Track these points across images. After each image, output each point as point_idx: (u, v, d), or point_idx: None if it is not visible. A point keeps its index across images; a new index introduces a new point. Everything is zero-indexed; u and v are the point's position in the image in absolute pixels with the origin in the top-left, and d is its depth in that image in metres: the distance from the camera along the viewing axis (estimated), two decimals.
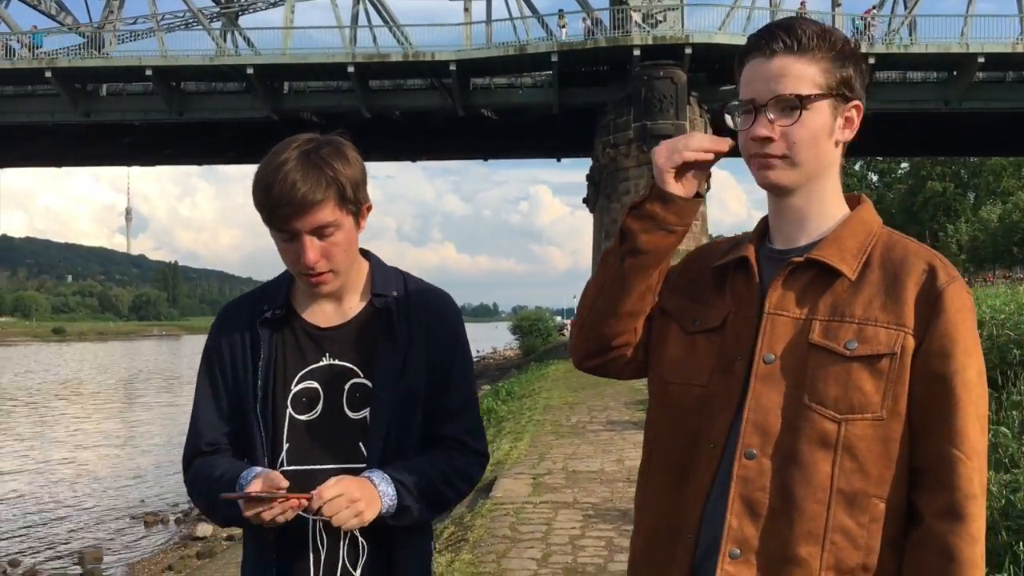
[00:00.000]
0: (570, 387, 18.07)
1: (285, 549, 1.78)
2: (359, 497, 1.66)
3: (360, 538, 1.78)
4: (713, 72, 32.70)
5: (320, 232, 1.72)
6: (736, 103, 1.53)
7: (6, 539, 14.21)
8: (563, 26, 34.44)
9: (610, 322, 1.62)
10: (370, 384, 1.80)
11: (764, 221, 1.61)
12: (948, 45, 32.72)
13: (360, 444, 1.79)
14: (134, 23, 39.26)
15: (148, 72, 33.78)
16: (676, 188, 1.57)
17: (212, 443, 1.85)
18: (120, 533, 14.77)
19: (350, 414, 1.80)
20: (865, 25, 33.44)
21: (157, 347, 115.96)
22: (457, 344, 1.89)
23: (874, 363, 1.39)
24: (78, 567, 12.52)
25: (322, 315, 1.85)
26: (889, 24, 33.75)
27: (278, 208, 1.69)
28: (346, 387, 1.81)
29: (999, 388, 4.80)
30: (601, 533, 6.41)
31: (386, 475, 1.74)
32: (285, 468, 1.77)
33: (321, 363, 1.82)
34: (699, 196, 1.61)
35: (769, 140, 1.47)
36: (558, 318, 55.38)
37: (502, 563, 5.77)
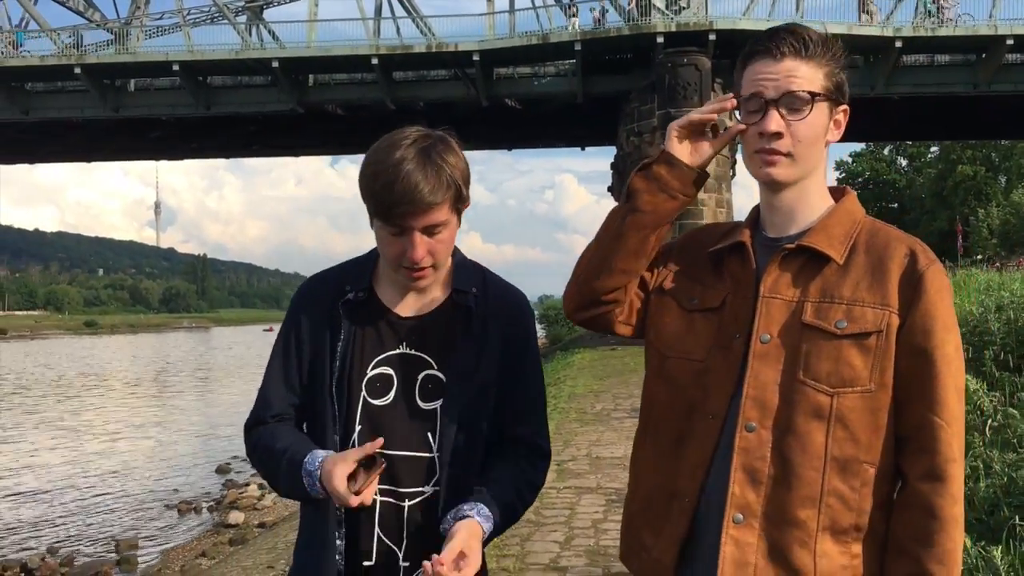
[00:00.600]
0: (595, 375, 18.14)
1: (350, 527, 1.81)
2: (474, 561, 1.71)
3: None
4: (737, 58, 32.53)
5: (431, 230, 1.76)
6: (745, 96, 1.61)
7: (44, 528, 14.55)
8: (574, 14, 34.32)
9: (602, 276, 1.75)
10: (443, 377, 1.83)
11: (756, 210, 1.72)
12: (976, 27, 32.29)
13: (429, 434, 1.82)
14: (160, 18, 39.63)
15: (175, 67, 34.14)
16: (682, 153, 1.71)
17: (277, 414, 1.90)
18: (154, 521, 15.06)
19: (422, 404, 1.83)
20: (937, 8, 33.00)
21: (187, 339, 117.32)
22: (529, 346, 1.94)
23: (862, 340, 1.51)
24: (114, 554, 12.80)
25: (403, 304, 1.87)
26: (916, 7, 33.32)
27: (398, 206, 1.72)
28: (420, 377, 1.83)
29: (1018, 372, 4.84)
30: None
31: (488, 514, 1.78)
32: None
33: (398, 351, 1.84)
34: (704, 173, 1.73)
35: (778, 136, 1.56)
36: None
37: (526, 546, 5.89)
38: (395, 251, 1.78)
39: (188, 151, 44.86)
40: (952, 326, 1.55)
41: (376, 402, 1.82)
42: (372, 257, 1.91)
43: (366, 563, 1.81)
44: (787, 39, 1.58)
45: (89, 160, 47.16)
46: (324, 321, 1.85)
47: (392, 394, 1.83)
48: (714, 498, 1.57)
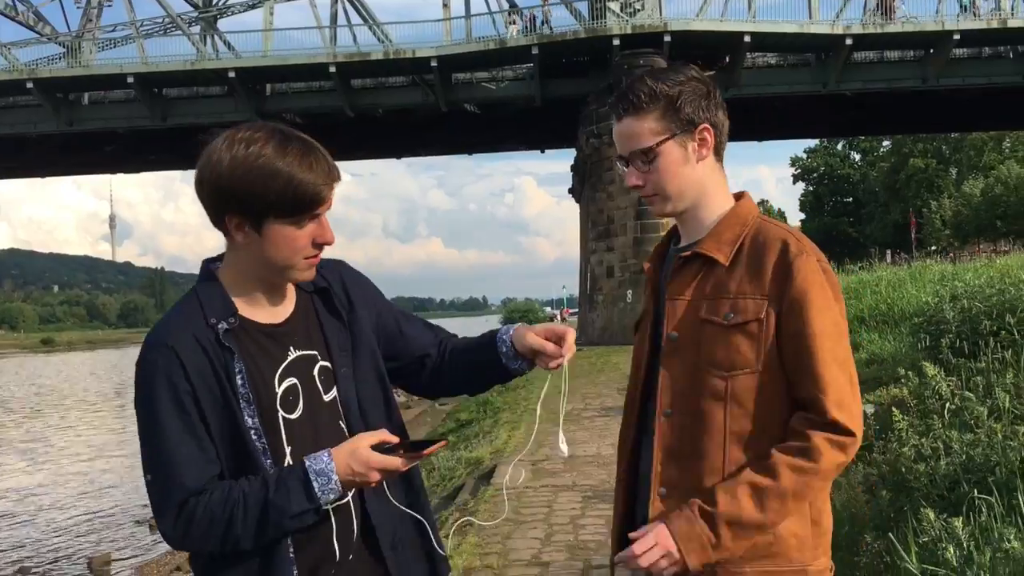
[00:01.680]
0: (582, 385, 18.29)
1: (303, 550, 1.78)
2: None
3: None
4: (693, 59, 32.62)
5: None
6: (617, 156, 1.90)
7: (13, 548, 14.37)
8: (513, 22, 34.49)
9: None
10: (330, 364, 1.85)
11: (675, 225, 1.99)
12: (923, 24, 33.02)
13: (339, 423, 1.83)
14: (113, 31, 39.21)
15: (130, 79, 33.86)
16: None
17: (200, 485, 1.71)
18: (126, 537, 14.93)
19: (325, 397, 1.83)
20: (972, 2, 33.65)
21: None
22: (368, 285, 2.02)
23: (746, 328, 1.74)
24: (87, 571, 12.69)
25: (268, 313, 1.84)
26: (866, 5, 34.00)
27: (319, 191, 1.73)
28: (315, 372, 1.83)
29: (972, 358, 5.07)
30: (601, 512, 6.66)
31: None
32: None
33: (289, 358, 1.81)
34: None
35: (638, 186, 1.85)
36: (548, 308, 55.65)
37: (507, 543, 6.02)
38: (300, 243, 1.75)
39: (145, 163, 44.42)
40: (825, 307, 1.72)
41: (292, 416, 1.78)
42: (214, 285, 1.81)
43: (331, 573, 1.80)
44: (620, 103, 1.83)
45: (44, 175, 46.58)
46: (208, 365, 1.72)
47: (301, 402, 1.80)
48: (645, 478, 1.84)
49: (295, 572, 1.74)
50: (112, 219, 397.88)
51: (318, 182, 1.72)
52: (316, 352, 1.84)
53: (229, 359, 1.73)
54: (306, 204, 1.72)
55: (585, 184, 34.41)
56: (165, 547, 14.14)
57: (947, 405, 3.58)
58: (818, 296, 1.72)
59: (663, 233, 2.11)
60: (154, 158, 42.20)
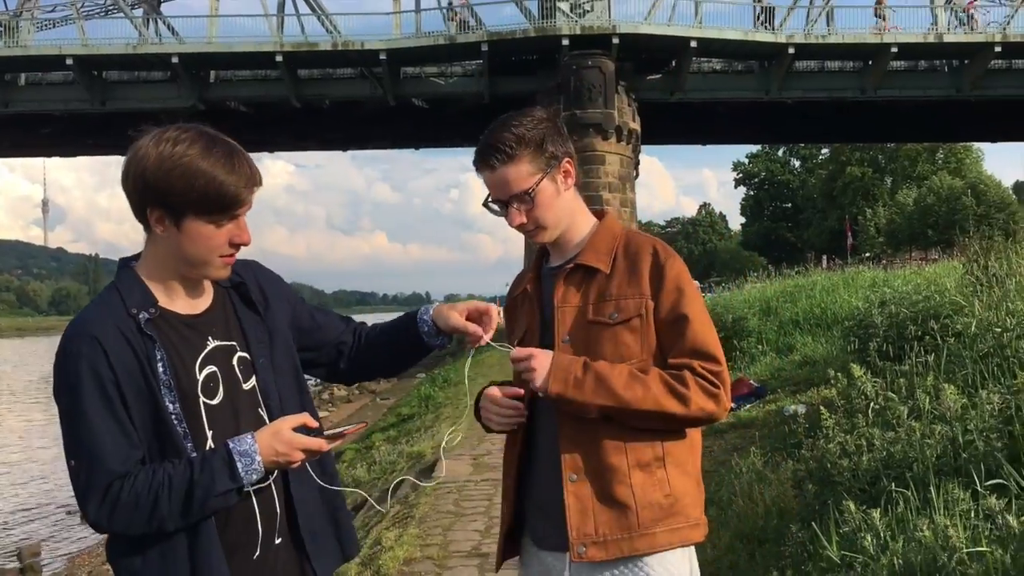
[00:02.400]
0: (505, 374, 18.34)
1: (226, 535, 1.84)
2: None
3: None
4: (640, 61, 33.32)
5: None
6: (491, 202, 2.12)
7: None
8: (452, 19, 34.52)
9: None
10: (248, 355, 1.94)
11: (543, 247, 2.21)
12: (863, 36, 33.87)
13: (259, 410, 1.92)
14: (52, 11, 38.20)
15: (69, 61, 33.04)
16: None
17: (125, 468, 1.76)
18: (56, 528, 14.67)
19: (244, 386, 1.92)
20: (968, 16, 34.36)
21: None
22: (279, 281, 2.12)
23: (629, 323, 2.00)
24: (16, 562, 12.44)
25: (186, 304, 1.91)
26: (808, 16, 34.74)
27: (240, 191, 1.82)
28: (234, 362, 1.91)
29: (898, 361, 5.30)
30: None
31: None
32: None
33: (208, 347, 1.88)
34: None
35: (523, 224, 2.08)
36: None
37: (448, 535, 6.11)
38: (217, 242, 1.83)
39: (83, 147, 43.35)
40: (695, 297, 2.03)
41: (213, 401, 1.86)
42: (132, 277, 1.88)
43: (254, 556, 1.86)
44: (492, 154, 2.03)
45: None
46: (130, 353, 1.78)
47: (221, 389, 1.88)
48: (550, 464, 2.03)
49: (221, 551, 1.80)
50: (45, 203, 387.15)
51: (239, 184, 1.81)
52: (235, 343, 1.93)
53: (151, 347, 1.79)
54: (225, 204, 1.81)
55: None
56: (96, 538, 13.93)
57: (871, 405, 3.78)
58: (687, 286, 2.03)
59: None
60: (91, 142, 41.21)
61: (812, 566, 2.97)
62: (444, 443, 2.56)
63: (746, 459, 5.70)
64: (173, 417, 1.79)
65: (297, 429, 1.83)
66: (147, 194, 1.81)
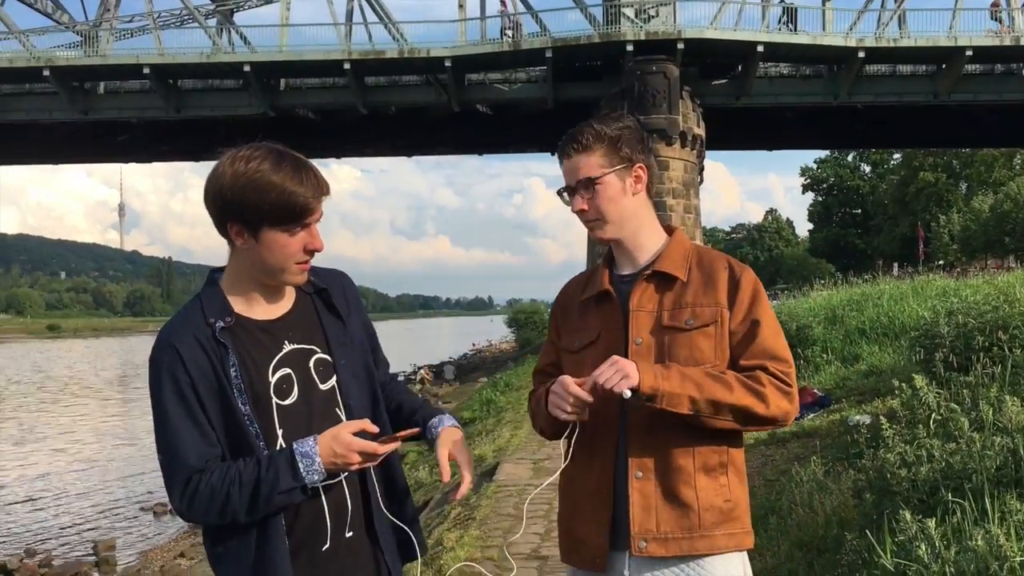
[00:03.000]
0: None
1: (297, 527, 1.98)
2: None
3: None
4: (705, 67, 33.10)
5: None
6: (561, 188, 2.24)
7: (20, 531, 14.62)
8: (508, 29, 34.71)
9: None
10: (329, 357, 2.06)
11: (609, 254, 2.29)
12: (936, 39, 33.10)
13: (336, 410, 2.04)
14: (130, 21, 39.47)
15: (146, 70, 34.07)
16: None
17: (202, 463, 1.92)
18: (130, 523, 15.19)
19: (322, 387, 2.04)
20: (999, 20, 33.88)
21: (152, 343, 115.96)
22: (359, 302, 2.25)
23: (705, 330, 2.08)
24: (92, 556, 12.93)
25: (264, 311, 2.04)
26: (879, 19, 34.11)
27: (309, 201, 1.94)
28: (311, 364, 2.03)
29: (964, 372, 5.23)
30: None
31: (453, 420, 2.21)
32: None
33: (284, 350, 2.01)
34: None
35: (584, 211, 2.17)
36: None
37: (508, 537, 6.19)
38: (292, 249, 1.96)
39: (157, 154, 44.64)
40: (766, 304, 2.14)
41: (286, 402, 1.98)
42: (215, 290, 2.03)
43: (323, 548, 1.99)
44: (570, 143, 2.19)
45: (57, 162, 46.87)
46: (206, 359, 1.93)
47: (296, 390, 2.00)
48: (620, 466, 2.09)
49: (287, 544, 1.94)
50: (121, 208, 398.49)
51: (308, 195, 1.94)
52: (314, 346, 2.06)
53: (224, 353, 1.94)
54: (297, 214, 1.95)
55: None
56: (169, 534, 14.40)
57: (933, 416, 3.75)
58: (761, 298, 2.13)
59: None
60: (166, 148, 42.43)
61: (866, 574, 2.98)
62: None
63: (807, 469, 5.68)
64: (245, 418, 1.93)
65: (357, 434, 1.94)
66: (226, 210, 1.96)
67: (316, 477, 1.91)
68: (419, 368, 42.94)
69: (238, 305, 2.03)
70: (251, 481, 1.89)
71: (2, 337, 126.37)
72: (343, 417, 2.03)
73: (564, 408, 2.03)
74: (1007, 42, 32.76)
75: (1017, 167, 61.69)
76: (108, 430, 27.31)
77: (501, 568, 5.52)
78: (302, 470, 1.90)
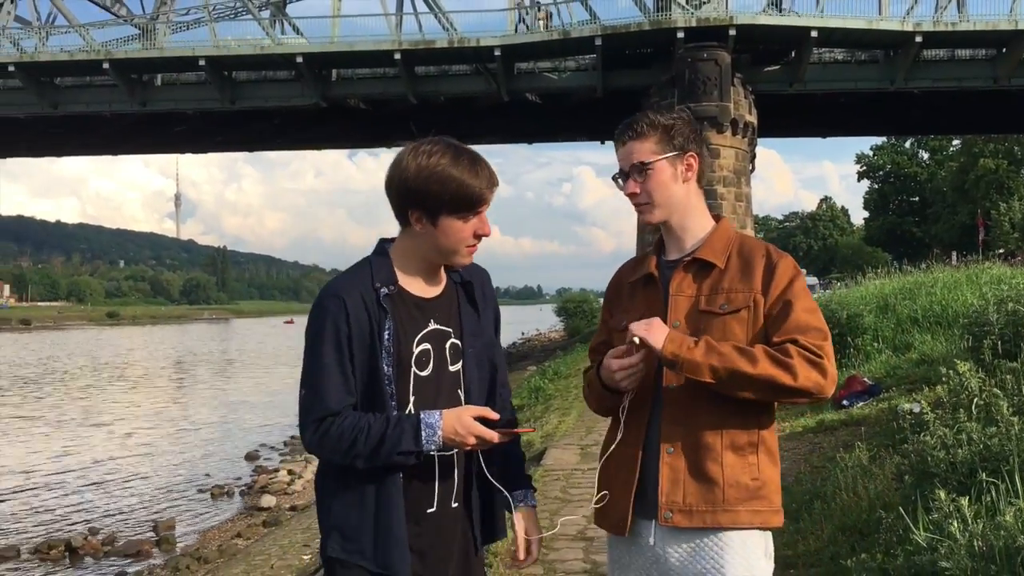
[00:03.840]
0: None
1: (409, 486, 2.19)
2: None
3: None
4: (757, 53, 32.71)
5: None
6: (616, 173, 2.34)
7: (84, 511, 15.12)
8: (542, 18, 34.64)
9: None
10: (459, 342, 2.27)
11: (659, 240, 2.40)
12: (996, 22, 32.30)
13: (458, 391, 2.25)
14: (186, 14, 40.22)
15: (201, 62, 34.74)
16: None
17: (339, 408, 2.14)
18: (188, 504, 15.61)
19: (451, 368, 2.25)
20: None
21: (208, 330, 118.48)
22: (497, 305, 2.45)
23: (737, 315, 2.18)
24: (152, 534, 13.33)
25: (421, 288, 2.26)
26: (937, 2, 33.37)
27: (484, 192, 2.18)
28: (447, 346, 2.25)
29: (1012, 358, 5.21)
30: None
31: (532, 498, 2.41)
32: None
33: (430, 327, 2.23)
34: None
35: (635, 194, 2.28)
36: (602, 300, 55.78)
37: (555, 519, 6.31)
38: (465, 234, 2.19)
39: (212, 144, 45.57)
40: (802, 287, 2.21)
41: (423, 373, 2.20)
42: (385, 259, 2.24)
43: (428, 510, 2.19)
44: (626, 130, 2.29)
45: (115, 153, 48.06)
46: (366, 318, 2.14)
47: (431, 364, 2.21)
48: (653, 441, 2.21)
49: (403, 499, 2.15)
50: (177, 197, 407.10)
51: (482, 186, 2.17)
52: (451, 330, 2.27)
53: (383, 317, 2.16)
54: (471, 203, 2.17)
55: None
56: (225, 515, 14.78)
57: (975, 400, 3.78)
58: (797, 282, 2.21)
59: None
60: (220, 139, 43.28)
61: (900, 550, 3.04)
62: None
63: (852, 455, 5.70)
64: (386, 378, 2.14)
65: (478, 418, 2.14)
66: (408, 198, 2.18)
67: (433, 447, 2.12)
68: None
69: (401, 278, 2.23)
70: (378, 435, 2.09)
71: (64, 323, 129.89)
72: (462, 398, 2.25)
73: (627, 376, 2.17)
74: None
75: None
76: (166, 414, 28.02)
77: (549, 548, 5.65)
78: (424, 438, 2.10)
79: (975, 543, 2.45)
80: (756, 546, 2.17)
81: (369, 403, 2.16)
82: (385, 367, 2.15)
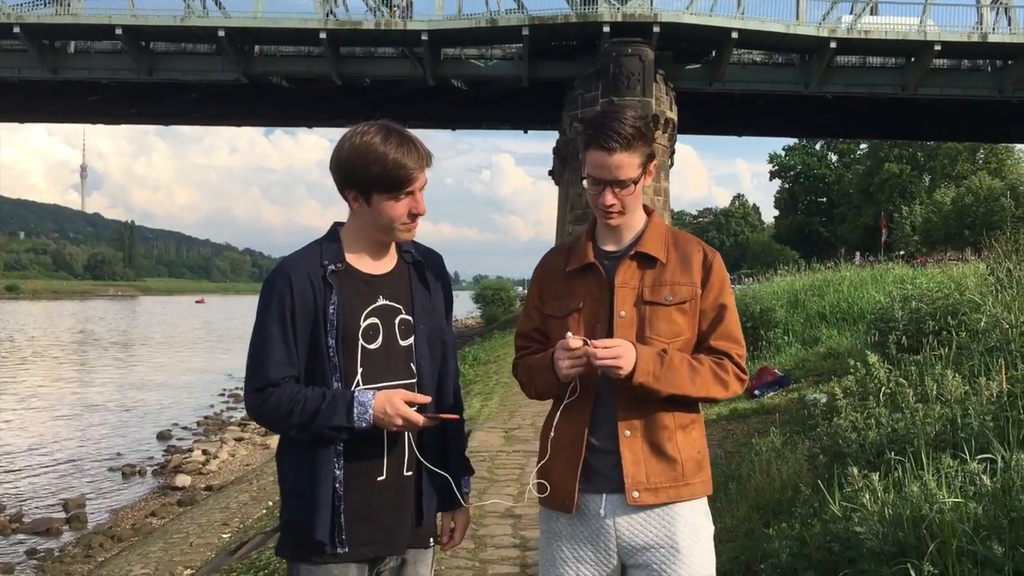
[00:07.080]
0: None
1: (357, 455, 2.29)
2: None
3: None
4: (680, 51, 33.41)
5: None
6: (586, 178, 2.38)
7: None
8: None
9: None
10: (411, 319, 2.36)
11: (591, 231, 2.50)
12: (906, 33, 33.68)
13: (411, 365, 2.34)
14: None
15: (118, 31, 33.65)
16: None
17: (281, 377, 2.24)
18: (99, 483, 15.30)
19: (401, 343, 2.34)
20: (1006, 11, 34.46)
21: (113, 307, 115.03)
22: (451, 288, 2.56)
23: (682, 306, 2.35)
24: (62, 512, 13.06)
25: (370, 265, 2.35)
26: (852, 9, 34.60)
27: (411, 172, 2.25)
28: (396, 321, 2.34)
29: (915, 353, 5.61)
30: None
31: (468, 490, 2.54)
32: (361, 388, 2.26)
33: (378, 303, 2.32)
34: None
35: (612, 205, 2.34)
36: (520, 288, 56.02)
37: (482, 498, 6.51)
38: (398, 212, 2.27)
39: (126, 116, 44.19)
40: (730, 289, 2.44)
41: (371, 347, 2.28)
42: (334, 237, 2.34)
43: (379, 478, 2.29)
44: (614, 136, 2.29)
45: (23, 121, 46.18)
46: (312, 292, 2.23)
47: (380, 338, 2.29)
48: (600, 423, 2.34)
49: (339, 463, 2.24)
50: (84, 169, 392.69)
51: (411, 165, 2.26)
52: (401, 307, 2.36)
53: (328, 292, 2.26)
54: (400, 183, 2.26)
55: (567, 167, 34.85)
56: (138, 494, 14.56)
57: (883, 389, 4.12)
58: (727, 284, 2.43)
59: None
60: (135, 111, 42.01)
61: (816, 520, 3.33)
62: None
63: (766, 440, 6.05)
64: (329, 351, 2.23)
65: (408, 402, 2.23)
66: (343, 177, 2.29)
67: (364, 424, 2.21)
68: None
69: (349, 256, 2.33)
70: (312, 409, 2.20)
71: None
72: (414, 370, 2.34)
73: (570, 364, 2.25)
74: (975, 39, 33.41)
75: (980, 161, 62.91)
76: (71, 393, 27.26)
77: (479, 525, 5.84)
78: (355, 415, 2.20)
79: (886, 511, 2.75)
80: (699, 510, 2.37)
81: (311, 374, 2.26)
82: (330, 340, 2.24)
